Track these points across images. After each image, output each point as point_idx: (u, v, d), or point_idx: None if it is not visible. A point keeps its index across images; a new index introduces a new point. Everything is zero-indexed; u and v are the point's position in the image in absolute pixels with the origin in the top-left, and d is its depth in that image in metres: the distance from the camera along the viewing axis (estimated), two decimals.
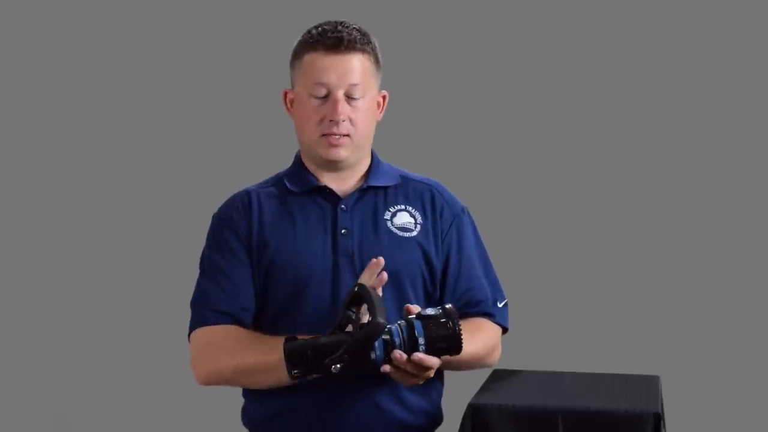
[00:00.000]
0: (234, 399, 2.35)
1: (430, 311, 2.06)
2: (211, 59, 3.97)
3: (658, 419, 2.05)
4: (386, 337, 2.04)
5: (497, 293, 2.37)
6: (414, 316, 2.06)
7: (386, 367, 2.05)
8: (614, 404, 2.11)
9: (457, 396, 2.29)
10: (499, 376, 2.35)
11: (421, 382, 2.13)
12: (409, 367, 2.06)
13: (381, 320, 1.97)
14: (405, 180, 2.35)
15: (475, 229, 2.38)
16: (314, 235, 2.24)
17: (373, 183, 2.30)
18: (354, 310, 2.05)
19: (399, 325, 2.06)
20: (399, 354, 2.03)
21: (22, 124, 4.04)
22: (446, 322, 2.04)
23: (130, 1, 4.01)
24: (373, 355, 2.03)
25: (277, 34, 2.40)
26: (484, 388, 2.25)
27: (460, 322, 2.08)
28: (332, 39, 2.22)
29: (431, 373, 2.12)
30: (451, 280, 2.31)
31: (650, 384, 2.29)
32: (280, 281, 2.22)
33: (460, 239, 2.33)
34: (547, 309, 3.68)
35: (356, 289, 2.05)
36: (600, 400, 2.15)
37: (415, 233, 2.28)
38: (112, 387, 3.93)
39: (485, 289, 2.35)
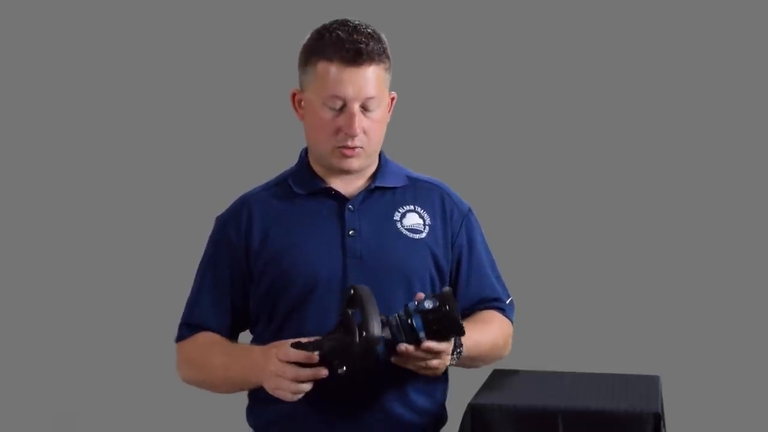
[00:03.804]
0: (239, 399, 2.35)
1: (428, 304, 2.05)
2: (216, 58, 3.98)
3: (658, 419, 2.05)
4: (387, 335, 2.05)
5: (504, 291, 2.39)
6: (413, 308, 2.06)
7: (395, 360, 2.07)
8: (614, 404, 2.11)
9: (457, 396, 2.30)
10: (499, 376, 2.35)
11: (441, 369, 2.13)
12: (419, 355, 2.06)
13: (375, 333, 2.00)
14: (412, 180, 2.33)
15: (480, 229, 2.38)
16: (322, 237, 2.23)
17: (381, 183, 2.29)
18: (353, 310, 2.05)
19: (397, 315, 2.07)
20: (405, 347, 2.05)
21: (30, 127, 4.05)
22: (443, 310, 2.04)
23: (135, 1, 4.02)
24: (376, 355, 2.05)
25: (283, 32, 2.40)
26: (484, 388, 2.25)
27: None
28: (351, 52, 2.17)
29: (447, 360, 2.12)
30: (463, 281, 2.32)
31: (650, 384, 2.29)
32: (288, 284, 2.22)
33: (470, 240, 2.34)
34: (547, 309, 3.68)
35: (351, 291, 2.07)
36: (600, 400, 2.15)
37: (423, 235, 2.27)
38: (113, 387, 3.93)
39: (496, 288, 2.37)
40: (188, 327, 2.32)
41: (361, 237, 2.23)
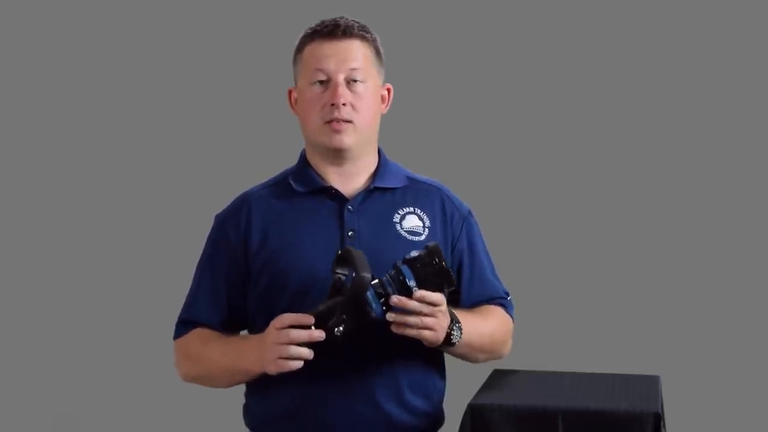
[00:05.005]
0: (236, 399, 2.35)
1: (414, 253, 2.08)
2: (216, 59, 3.99)
3: (658, 419, 2.05)
4: (379, 290, 2.06)
5: (504, 291, 2.40)
6: (400, 262, 2.08)
7: (390, 316, 2.06)
8: (614, 404, 2.11)
9: (457, 396, 2.30)
10: (499, 376, 2.35)
11: (438, 334, 2.11)
12: (414, 306, 2.06)
13: (364, 275, 2.03)
14: (412, 182, 2.34)
15: (480, 231, 2.39)
16: (320, 237, 2.23)
17: (380, 184, 2.29)
18: (342, 272, 2.08)
19: (388, 274, 2.07)
20: (397, 298, 2.05)
21: (30, 127, 4.05)
22: (431, 260, 2.06)
23: (135, 1, 4.02)
24: (370, 311, 2.06)
25: (282, 33, 2.40)
26: (484, 388, 2.26)
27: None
28: (330, 27, 2.24)
29: (443, 321, 2.10)
30: (466, 283, 2.32)
31: (650, 384, 2.30)
32: (286, 283, 2.22)
33: (470, 243, 2.34)
34: (547, 309, 3.68)
35: (339, 252, 2.09)
36: (600, 400, 2.16)
37: (423, 237, 2.27)
38: (113, 387, 3.93)
39: (497, 289, 2.38)
40: (185, 324, 2.32)
41: (360, 238, 2.23)
